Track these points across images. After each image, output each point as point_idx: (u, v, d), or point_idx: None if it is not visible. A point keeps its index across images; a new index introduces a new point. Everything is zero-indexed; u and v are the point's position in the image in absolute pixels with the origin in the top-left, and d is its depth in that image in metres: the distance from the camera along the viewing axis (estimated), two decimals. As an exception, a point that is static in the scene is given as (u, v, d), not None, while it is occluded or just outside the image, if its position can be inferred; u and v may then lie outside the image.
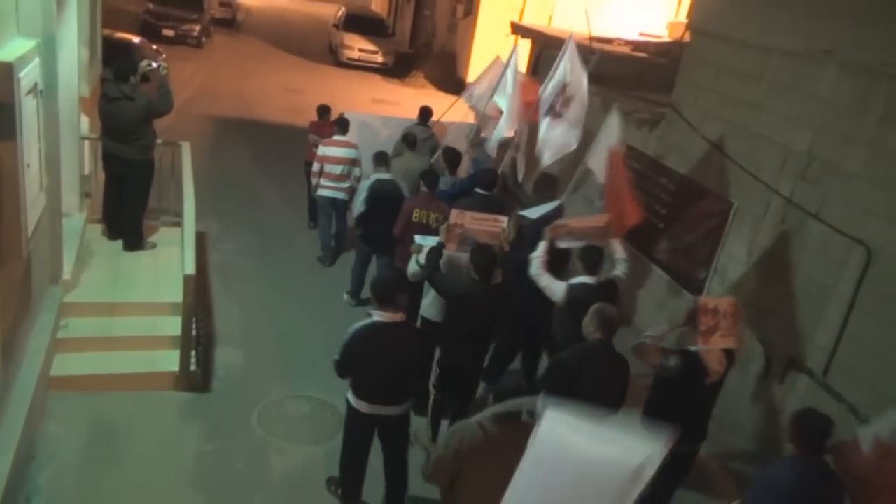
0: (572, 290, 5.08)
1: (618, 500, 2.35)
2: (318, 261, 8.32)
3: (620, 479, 2.34)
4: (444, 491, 3.47)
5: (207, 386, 5.76)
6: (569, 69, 6.75)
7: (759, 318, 5.92)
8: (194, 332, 5.79)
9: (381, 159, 7.06)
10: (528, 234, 5.97)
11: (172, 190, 7.26)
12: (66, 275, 5.85)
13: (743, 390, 5.96)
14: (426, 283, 5.30)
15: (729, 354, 4.41)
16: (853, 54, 5.26)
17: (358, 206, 6.93)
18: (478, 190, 6.49)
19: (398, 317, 4.15)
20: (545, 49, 11.76)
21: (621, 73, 9.83)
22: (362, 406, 4.30)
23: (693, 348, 4.43)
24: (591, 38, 10.16)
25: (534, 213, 6.18)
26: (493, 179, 6.62)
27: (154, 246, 6.94)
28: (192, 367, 5.65)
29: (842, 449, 3.75)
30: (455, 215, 5.38)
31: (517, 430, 3.03)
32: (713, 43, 6.89)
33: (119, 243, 6.79)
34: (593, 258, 5.29)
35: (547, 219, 5.92)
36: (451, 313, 5.06)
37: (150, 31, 19.33)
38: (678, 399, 4.38)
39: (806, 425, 3.64)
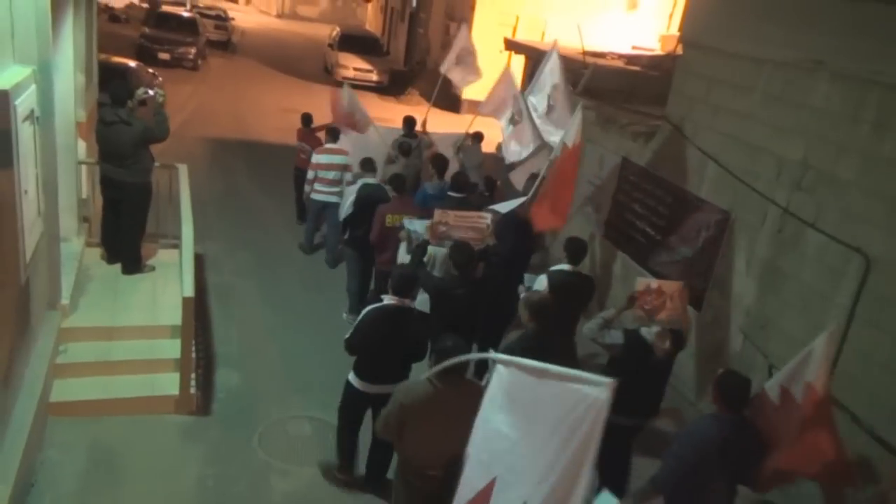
0: (550, 275, 5.56)
1: (569, 435, 2.47)
2: (299, 248, 9.08)
3: (570, 414, 2.48)
4: (395, 442, 4.09)
5: (208, 408, 5.73)
6: (556, 75, 7.54)
7: (759, 329, 5.92)
8: (194, 355, 5.77)
9: (367, 165, 7.58)
10: (496, 227, 6.28)
11: (170, 213, 7.27)
12: (65, 299, 5.84)
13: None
14: None
15: (676, 335, 4.74)
16: (844, 64, 5.30)
17: (346, 208, 7.33)
18: (451, 193, 6.92)
19: (406, 302, 4.67)
20: (539, 64, 11.83)
21: (615, 87, 9.90)
22: (362, 385, 4.72)
23: (636, 327, 4.82)
24: (584, 53, 10.25)
25: (503, 207, 6.63)
26: (464, 182, 7.14)
27: (153, 269, 6.93)
28: (192, 390, 5.63)
29: (755, 403, 4.09)
30: (438, 214, 5.83)
31: (459, 386, 3.77)
32: (705, 55, 6.94)
33: (117, 267, 6.78)
34: (577, 250, 5.75)
35: (513, 212, 6.48)
36: (433, 306, 5.40)
37: (146, 55, 19.44)
38: (627, 376, 4.46)
39: (726, 386, 3.96)
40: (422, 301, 5.58)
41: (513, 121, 7.83)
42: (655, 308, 4.76)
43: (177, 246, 6.74)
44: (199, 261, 8.03)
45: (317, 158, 8.53)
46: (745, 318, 6.07)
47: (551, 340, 4.44)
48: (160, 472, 4.97)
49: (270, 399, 5.99)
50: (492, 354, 3.15)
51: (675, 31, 14.08)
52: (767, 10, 6.36)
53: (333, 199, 8.39)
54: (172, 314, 5.71)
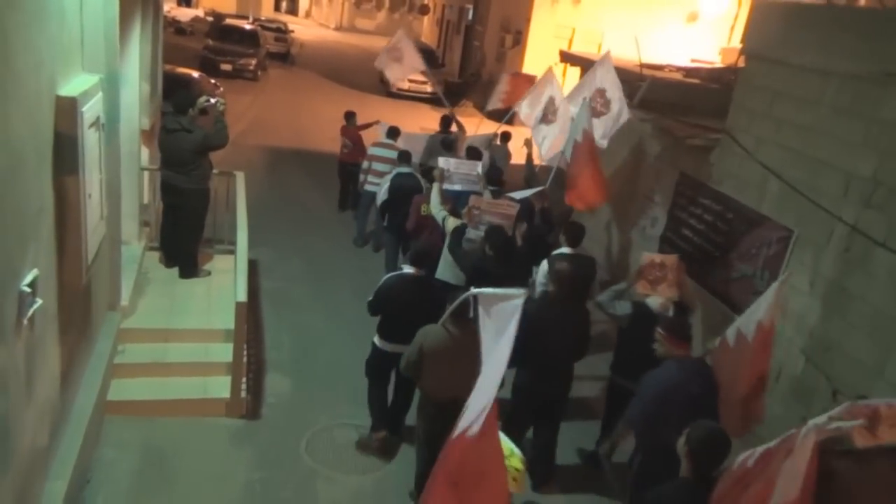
0: (552, 258, 6.02)
1: (504, 336, 3.23)
2: (353, 243, 9.73)
3: (508, 321, 3.24)
4: (415, 379, 4.83)
5: (257, 413, 5.80)
6: (604, 78, 7.99)
7: (822, 351, 5.67)
8: (245, 359, 5.85)
9: (403, 157, 8.29)
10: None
11: (227, 219, 7.42)
12: (124, 301, 6.00)
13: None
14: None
15: (679, 306, 5.24)
16: (919, 76, 5.07)
17: (381, 195, 8.12)
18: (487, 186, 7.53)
19: (420, 273, 5.26)
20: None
21: (672, 99, 9.69)
22: (383, 344, 5.32)
23: (643, 299, 5.33)
24: (642, 65, 10.08)
25: (518, 195, 7.31)
26: (498, 176, 7.88)
27: (208, 273, 7.08)
28: (243, 394, 5.70)
29: (717, 348, 4.51)
30: (474, 200, 6.51)
31: (468, 329, 4.10)
32: (769, 68, 6.74)
33: (175, 271, 6.95)
34: (576, 233, 6.30)
35: (528, 200, 7.20)
36: (468, 282, 5.77)
37: (209, 66, 20.05)
38: (634, 343, 5.12)
39: (678, 332, 4.55)
40: (442, 271, 6.41)
41: (546, 119, 8.49)
42: (658, 279, 5.28)
43: (232, 252, 6.87)
44: (253, 266, 8.17)
45: (372, 151, 9.32)
46: (808, 340, 5.83)
47: (566, 305, 5.17)
48: (209, 475, 5.04)
49: (319, 405, 6.02)
50: (472, 291, 3.76)
51: (736, 43, 13.74)
52: (835, 20, 6.14)
53: None
54: (226, 318, 5.80)
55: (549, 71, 8.94)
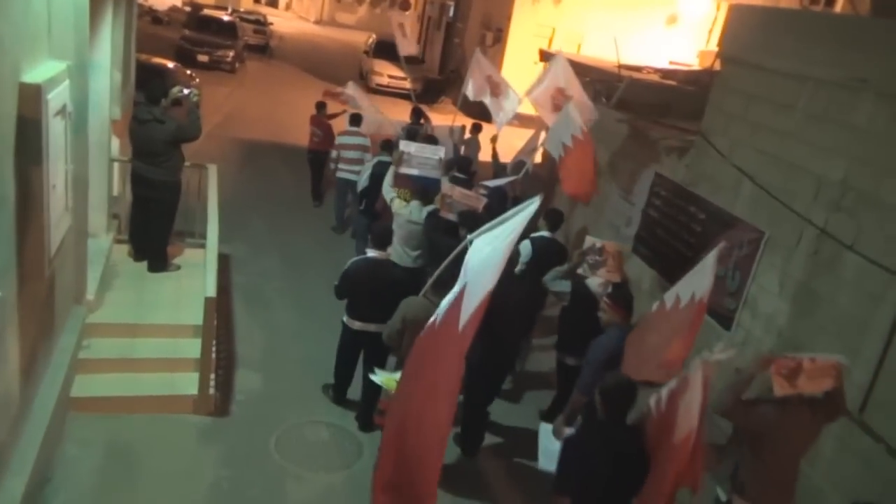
0: (533, 241, 6.40)
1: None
2: (332, 230, 10.03)
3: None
4: (396, 349, 5.07)
5: (226, 410, 5.71)
6: (561, 76, 8.41)
7: (791, 352, 5.71)
8: (214, 355, 5.76)
9: (385, 146, 8.53)
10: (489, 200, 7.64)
11: (199, 212, 7.31)
12: (90, 295, 5.88)
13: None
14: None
15: (616, 286, 5.48)
16: (889, 83, 5.13)
17: (362, 182, 8.44)
18: (456, 174, 7.95)
19: (385, 255, 5.60)
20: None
21: (650, 101, 9.76)
22: (353, 324, 5.58)
23: (582, 279, 5.71)
24: (620, 66, 10.12)
25: (492, 183, 7.98)
26: (467, 166, 8.35)
27: (178, 268, 6.97)
28: (212, 391, 5.61)
29: (656, 310, 4.77)
30: (447, 188, 6.93)
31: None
32: (744, 71, 6.79)
33: (144, 265, 6.83)
34: (556, 219, 6.68)
35: (500, 188, 7.89)
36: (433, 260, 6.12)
37: (185, 57, 19.74)
38: (575, 321, 5.68)
39: (624, 300, 5.04)
40: (416, 257, 6.90)
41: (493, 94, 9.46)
42: (598, 263, 5.60)
43: (203, 246, 6.76)
44: (225, 261, 8.07)
45: (340, 140, 9.76)
46: (777, 340, 5.89)
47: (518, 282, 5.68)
48: (176, 473, 4.95)
49: (289, 403, 5.95)
50: (468, 238, 4.13)
51: (714, 46, 13.87)
52: (811, 27, 6.21)
53: (354, 177, 9.29)
54: (195, 314, 5.70)
55: (476, 52, 9.85)
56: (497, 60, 20.60)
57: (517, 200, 7.38)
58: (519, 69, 19.95)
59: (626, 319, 4.99)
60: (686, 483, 3.31)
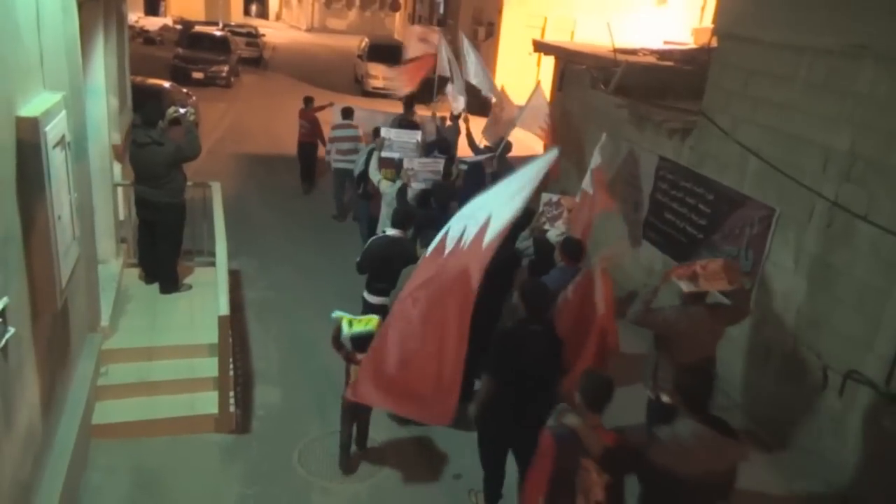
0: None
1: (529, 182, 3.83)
2: (333, 218, 10.68)
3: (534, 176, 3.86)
4: None
5: (247, 426, 5.71)
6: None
7: (811, 328, 5.67)
8: (232, 373, 5.75)
9: (377, 133, 8.93)
10: (465, 174, 9.08)
11: (206, 231, 7.30)
12: (105, 321, 5.89)
13: (799, 406, 5.70)
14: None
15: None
16: (889, 47, 5.06)
17: (359, 166, 9.01)
18: (436, 155, 8.70)
19: (403, 234, 5.99)
20: (569, 64, 11.67)
21: (648, 83, 9.67)
22: (372, 298, 5.95)
23: (543, 233, 6.22)
24: (615, 50, 10.05)
25: (470, 160, 9.13)
26: (446, 146, 9.28)
27: (189, 288, 6.97)
28: (232, 409, 5.61)
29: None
30: (407, 162, 7.82)
31: None
32: (741, 46, 6.72)
33: (155, 287, 6.83)
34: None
35: (478, 163, 8.87)
36: (416, 236, 6.30)
37: (180, 75, 19.79)
38: (540, 271, 5.86)
39: (569, 248, 5.60)
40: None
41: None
42: (555, 217, 6.13)
43: (213, 264, 6.75)
44: (235, 277, 8.07)
45: (333, 133, 10.38)
46: (796, 317, 5.83)
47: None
48: (202, 493, 4.95)
49: (310, 415, 5.94)
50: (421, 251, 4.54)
51: (707, 23, 13.76)
52: (806, -5, 6.11)
53: (350, 166, 9.81)
54: (210, 332, 5.69)
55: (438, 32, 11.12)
56: (491, 55, 20.55)
57: (495, 176, 7.70)
58: (513, 62, 19.91)
59: (571, 264, 5.54)
60: (609, 346, 4.70)
